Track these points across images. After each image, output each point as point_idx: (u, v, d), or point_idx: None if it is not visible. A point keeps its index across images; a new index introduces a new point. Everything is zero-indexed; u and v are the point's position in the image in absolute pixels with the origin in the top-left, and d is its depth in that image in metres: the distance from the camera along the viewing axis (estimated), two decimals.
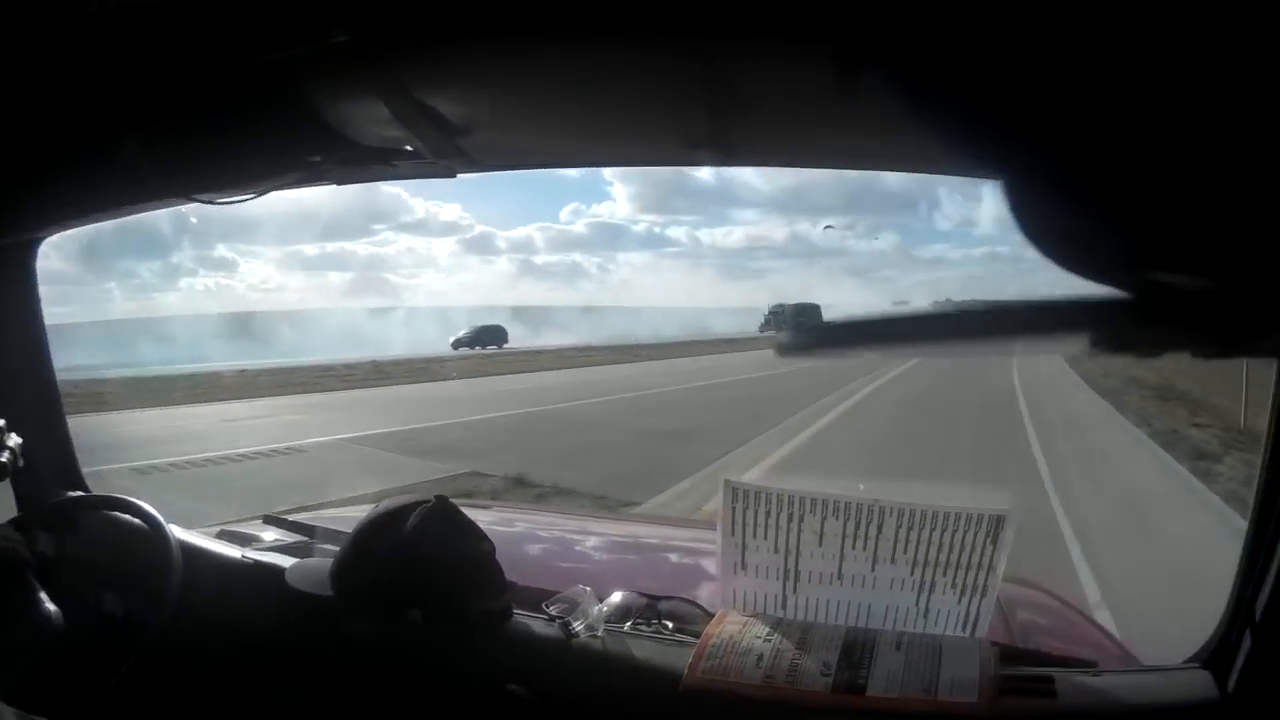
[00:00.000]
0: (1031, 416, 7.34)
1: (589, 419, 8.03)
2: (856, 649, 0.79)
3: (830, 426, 7.20)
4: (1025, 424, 6.94)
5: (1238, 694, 0.79)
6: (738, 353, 17.76)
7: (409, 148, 0.79)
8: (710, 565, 0.88)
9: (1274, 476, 0.88)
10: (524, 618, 0.86)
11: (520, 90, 0.73)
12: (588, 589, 0.85)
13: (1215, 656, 0.91)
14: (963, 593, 0.82)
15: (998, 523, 0.81)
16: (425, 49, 0.64)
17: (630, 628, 0.85)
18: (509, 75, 0.69)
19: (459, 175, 0.82)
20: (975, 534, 0.81)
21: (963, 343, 0.38)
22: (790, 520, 0.80)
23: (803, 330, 0.38)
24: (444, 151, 0.78)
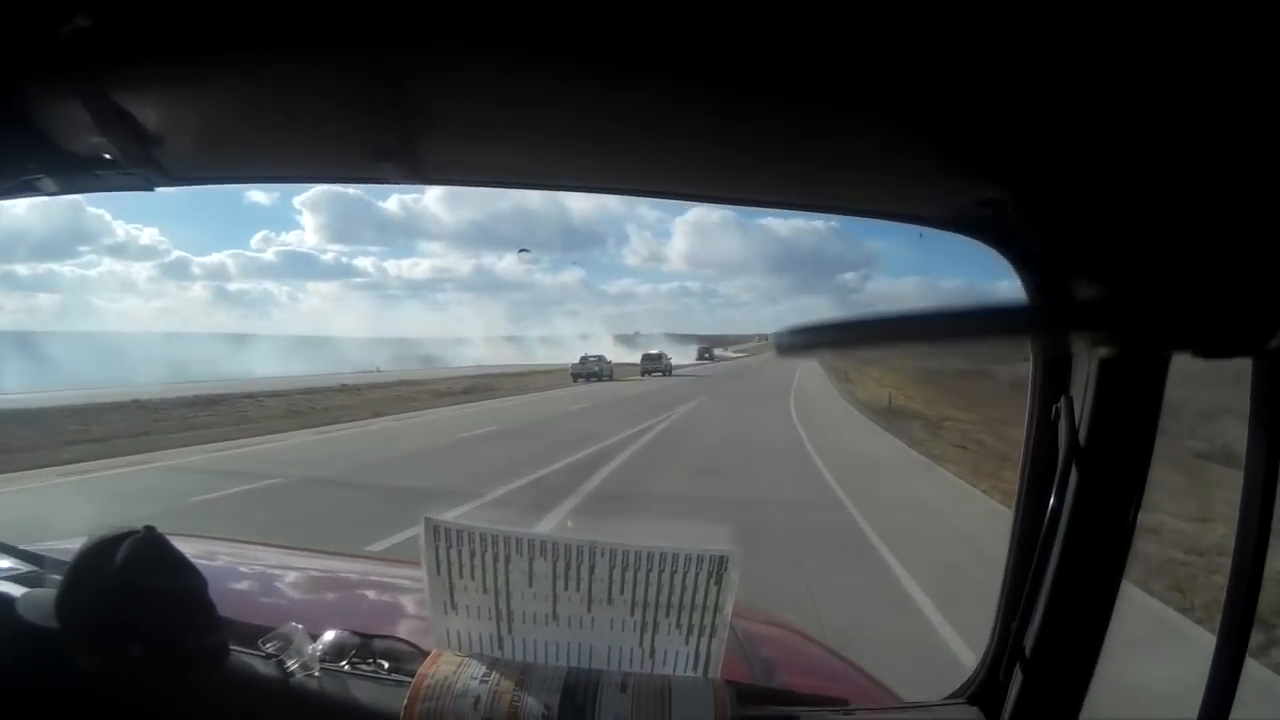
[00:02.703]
0: None
1: None
2: (580, 691, 0.76)
3: None
4: None
5: None
6: None
7: (108, 156, 0.76)
8: (418, 601, 0.83)
9: (1030, 513, 0.85)
10: (241, 655, 0.82)
11: (212, 99, 0.71)
12: (300, 627, 0.81)
13: (982, 691, 0.89)
14: (690, 633, 0.79)
15: (721, 563, 0.77)
16: (122, 53, 0.62)
17: (348, 667, 0.81)
18: (201, 84, 0.67)
19: (157, 189, 0.78)
20: (698, 574, 0.77)
21: (948, 342, 0.41)
22: (496, 560, 0.76)
23: (801, 330, 0.40)
24: (140, 160, 0.75)
